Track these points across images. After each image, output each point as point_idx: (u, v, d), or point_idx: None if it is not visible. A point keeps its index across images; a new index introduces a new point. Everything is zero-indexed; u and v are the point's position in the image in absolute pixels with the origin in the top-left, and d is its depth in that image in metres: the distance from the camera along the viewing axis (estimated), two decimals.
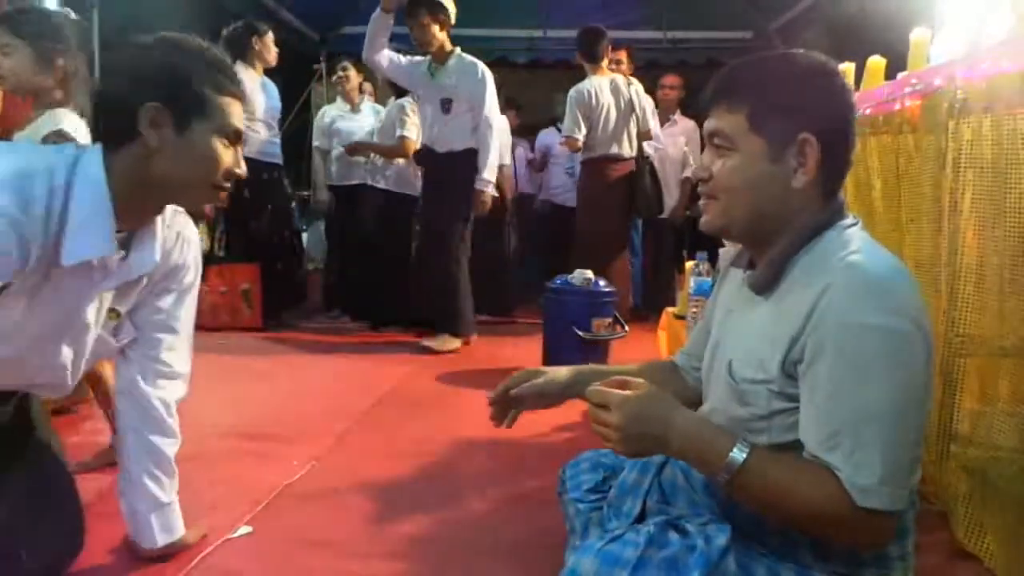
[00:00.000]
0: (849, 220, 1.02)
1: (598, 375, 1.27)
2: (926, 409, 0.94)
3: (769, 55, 1.07)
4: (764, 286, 1.03)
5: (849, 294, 0.91)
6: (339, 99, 4.99)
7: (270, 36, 4.25)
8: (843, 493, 0.88)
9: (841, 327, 0.90)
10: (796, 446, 0.96)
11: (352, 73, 4.88)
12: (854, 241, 0.98)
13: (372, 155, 4.60)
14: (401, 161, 4.47)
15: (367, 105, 4.98)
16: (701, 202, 1.08)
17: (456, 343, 3.98)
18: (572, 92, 4.41)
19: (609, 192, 4.50)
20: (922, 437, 0.95)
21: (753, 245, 1.08)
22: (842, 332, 0.90)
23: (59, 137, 1.80)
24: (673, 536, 0.98)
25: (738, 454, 0.92)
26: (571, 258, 4.14)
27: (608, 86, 4.42)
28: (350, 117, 4.89)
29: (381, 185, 4.59)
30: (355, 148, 4.59)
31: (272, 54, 4.26)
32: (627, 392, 1.00)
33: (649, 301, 5.04)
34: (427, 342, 3.93)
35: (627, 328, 3.59)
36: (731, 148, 1.02)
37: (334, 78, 4.98)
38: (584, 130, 4.38)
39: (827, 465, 0.90)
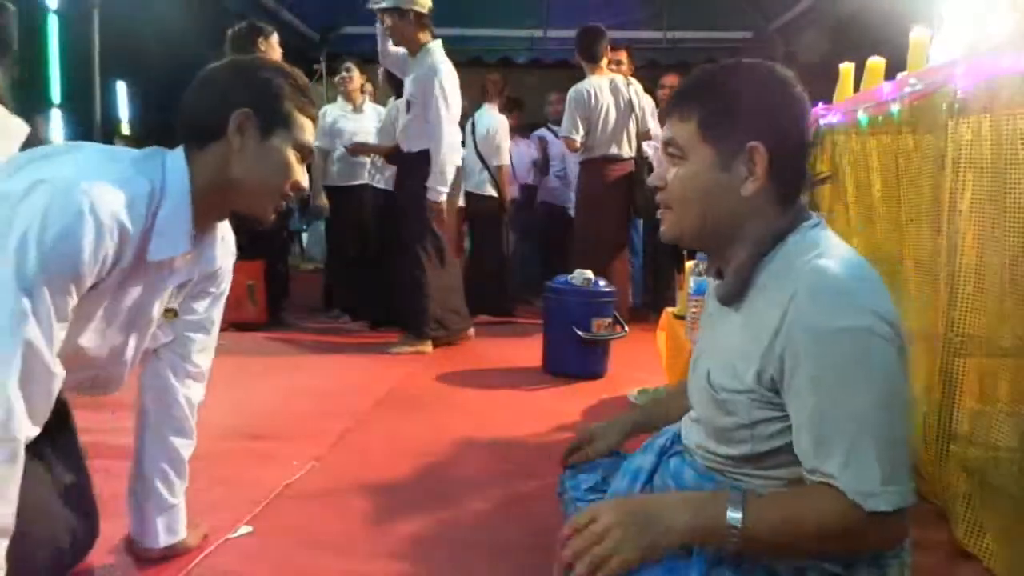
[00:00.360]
0: (812, 220, 1.02)
1: (649, 417, 1.35)
2: (908, 401, 0.94)
3: (722, 64, 1.07)
4: (732, 297, 1.04)
5: (814, 300, 0.91)
6: (340, 99, 4.99)
7: (275, 37, 4.24)
8: (850, 505, 0.87)
9: (812, 335, 0.90)
10: (780, 452, 0.97)
11: (355, 74, 4.89)
12: (817, 243, 0.98)
13: (373, 155, 4.61)
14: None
15: (368, 105, 4.99)
16: (659, 212, 1.09)
17: (424, 347, 3.89)
18: (571, 92, 4.41)
19: (608, 192, 4.50)
20: (909, 430, 0.95)
21: (713, 254, 1.09)
22: (814, 340, 0.90)
23: None
24: None
25: (735, 511, 0.90)
26: (570, 258, 4.14)
27: (607, 86, 4.42)
28: (352, 117, 4.89)
29: (381, 185, 4.61)
30: (356, 149, 4.60)
31: (277, 55, 4.26)
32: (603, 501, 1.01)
33: (649, 301, 5.04)
34: (394, 349, 3.85)
35: (627, 328, 3.59)
36: (682, 157, 1.04)
37: (337, 78, 4.98)
38: (583, 131, 4.38)
39: (825, 480, 0.89)
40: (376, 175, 4.64)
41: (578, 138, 4.38)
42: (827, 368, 0.89)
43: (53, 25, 4.42)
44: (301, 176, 1.38)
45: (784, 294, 0.93)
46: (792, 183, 1.03)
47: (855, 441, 0.88)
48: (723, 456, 1.05)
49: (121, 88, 6.33)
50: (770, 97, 1.02)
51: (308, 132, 1.38)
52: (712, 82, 1.05)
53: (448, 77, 3.69)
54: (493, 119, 4.98)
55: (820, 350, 0.89)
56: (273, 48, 4.22)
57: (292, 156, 1.35)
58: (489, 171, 4.94)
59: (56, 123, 4.41)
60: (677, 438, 1.20)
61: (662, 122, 1.14)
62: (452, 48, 4.49)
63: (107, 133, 5.03)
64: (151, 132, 6.21)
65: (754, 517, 0.90)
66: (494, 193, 4.99)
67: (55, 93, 4.49)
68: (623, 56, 4.85)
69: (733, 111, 1.01)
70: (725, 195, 1.01)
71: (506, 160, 5.05)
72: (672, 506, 0.95)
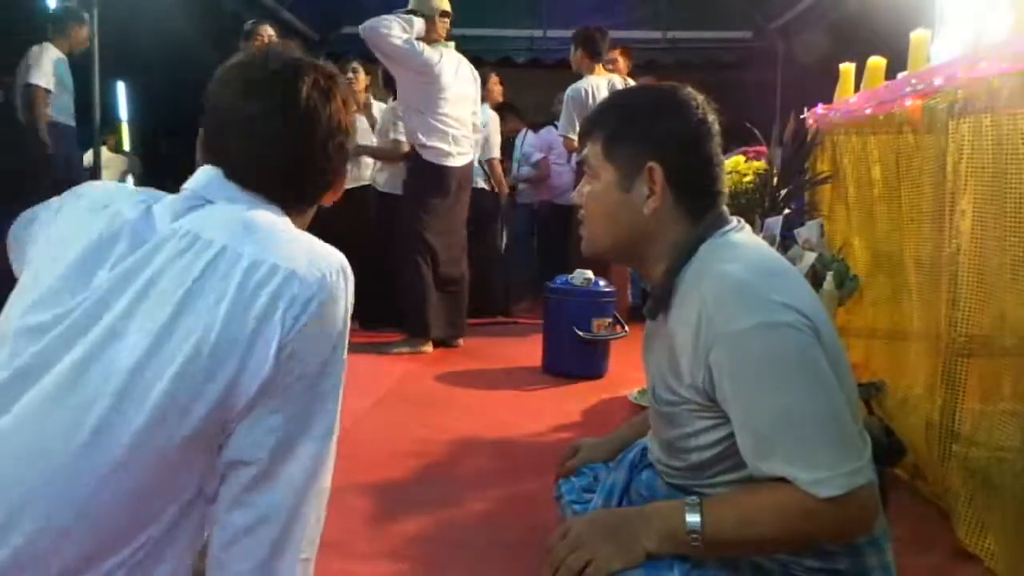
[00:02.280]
0: (728, 226, 1.04)
1: (638, 431, 1.33)
2: (843, 379, 0.93)
3: (631, 88, 1.16)
4: (655, 311, 1.07)
5: (719, 306, 0.93)
6: None
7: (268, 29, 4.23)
8: (804, 495, 0.87)
9: (725, 340, 0.92)
10: (725, 458, 0.98)
11: (361, 75, 4.88)
12: (722, 249, 1.00)
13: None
14: (400, 164, 4.48)
15: (373, 104, 5.00)
16: (580, 228, 1.13)
17: (424, 347, 3.87)
18: (569, 91, 4.40)
19: None
20: (856, 405, 0.95)
21: (638, 269, 1.13)
22: (726, 345, 0.92)
23: None
24: None
25: (692, 516, 0.92)
26: (571, 258, 4.14)
27: (606, 86, 4.41)
28: (358, 116, 4.89)
29: (380, 187, 4.60)
30: (359, 151, 4.58)
31: None
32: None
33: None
34: (394, 349, 3.85)
35: (627, 328, 3.58)
36: (593, 176, 1.09)
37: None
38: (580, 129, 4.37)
39: (774, 475, 0.89)
40: (376, 177, 4.62)
41: (575, 136, 4.37)
42: (745, 368, 0.91)
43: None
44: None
45: (695, 304, 0.96)
46: (697, 198, 1.05)
47: (792, 433, 0.89)
48: (675, 468, 1.07)
49: (121, 88, 6.33)
50: (665, 119, 1.06)
51: None
52: (617, 105, 1.12)
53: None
54: (485, 114, 4.98)
55: (734, 353, 0.91)
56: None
57: None
58: (481, 165, 4.95)
59: None
60: (646, 451, 1.22)
61: None
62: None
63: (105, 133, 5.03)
64: (151, 132, 6.23)
65: (712, 519, 0.91)
66: (486, 187, 5.00)
67: None
68: (618, 56, 4.84)
69: (632, 132, 1.05)
70: (629, 213, 1.05)
71: (497, 154, 5.06)
72: (638, 516, 0.97)
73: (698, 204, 1.05)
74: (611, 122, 1.08)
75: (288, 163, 0.94)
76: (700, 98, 1.08)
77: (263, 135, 0.91)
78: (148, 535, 0.80)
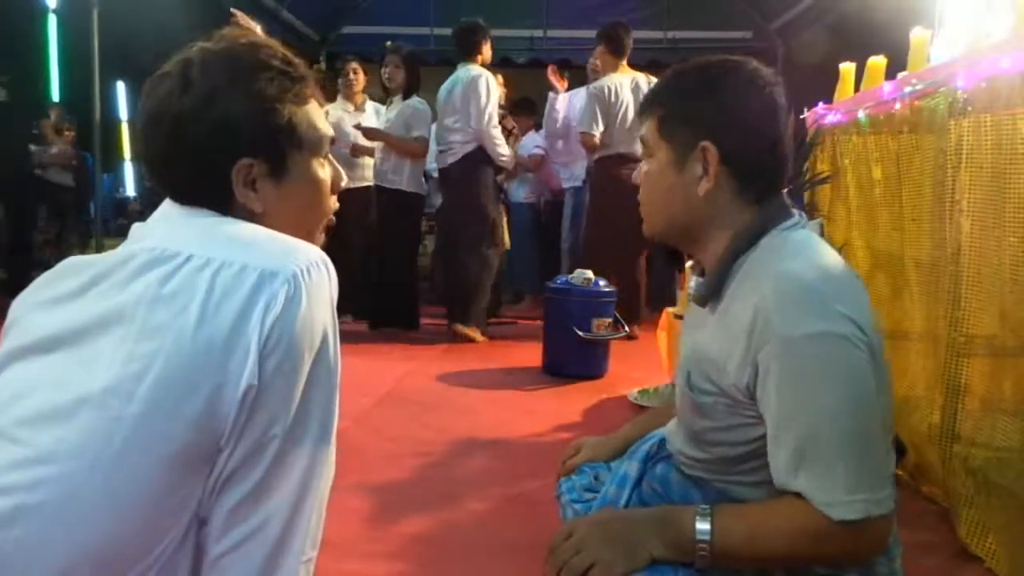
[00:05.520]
0: (790, 221, 1.00)
1: (642, 431, 1.29)
2: (884, 405, 0.91)
3: (693, 62, 1.06)
4: (705, 299, 1.03)
5: (781, 308, 0.89)
6: (341, 98, 4.97)
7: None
8: (817, 514, 0.85)
9: (778, 342, 0.88)
10: (753, 457, 0.95)
11: (361, 75, 4.88)
12: (788, 245, 0.96)
13: (379, 156, 4.57)
14: (411, 161, 4.47)
15: (369, 104, 4.98)
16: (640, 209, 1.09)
17: (474, 335, 4.20)
18: (592, 88, 4.37)
19: (624, 191, 4.36)
20: (890, 434, 0.92)
21: (692, 253, 1.09)
22: (780, 348, 0.88)
23: None
24: None
25: (703, 523, 0.89)
26: (583, 257, 4.15)
27: (628, 84, 4.40)
28: (355, 116, 4.88)
29: (387, 184, 4.56)
30: (370, 134, 4.54)
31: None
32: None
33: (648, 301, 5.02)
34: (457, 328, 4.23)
35: (627, 328, 3.58)
36: (649, 156, 1.04)
37: (342, 79, 4.95)
38: (602, 126, 4.32)
39: (792, 488, 0.87)
40: (384, 175, 4.57)
41: (596, 133, 4.33)
42: (791, 375, 0.87)
43: (53, 25, 4.44)
44: (336, 179, 1.00)
45: (754, 299, 0.92)
46: (757, 182, 1.00)
47: (820, 448, 0.86)
48: (697, 460, 1.04)
49: (121, 88, 6.34)
50: (728, 96, 1.00)
51: (320, 123, 0.94)
52: (675, 81, 1.05)
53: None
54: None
55: (785, 358, 0.88)
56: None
57: (319, 171, 0.95)
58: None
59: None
60: (663, 443, 1.19)
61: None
62: (452, 48, 4.49)
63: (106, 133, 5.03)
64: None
65: (722, 529, 0.89)
66: None
67: (55, 93, 4.50)
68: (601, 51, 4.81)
69: (687, 110, 1.00)
70: (682, 194, 1.01)
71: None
72: (645, 520, 0.95)
73: (758, 189, 1.00)
74: (667, 99, 1.03)
75: (166, 169, 0.88)
76: (767, 74, 1.02)
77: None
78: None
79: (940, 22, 2.37)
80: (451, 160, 4.32)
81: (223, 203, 0.86)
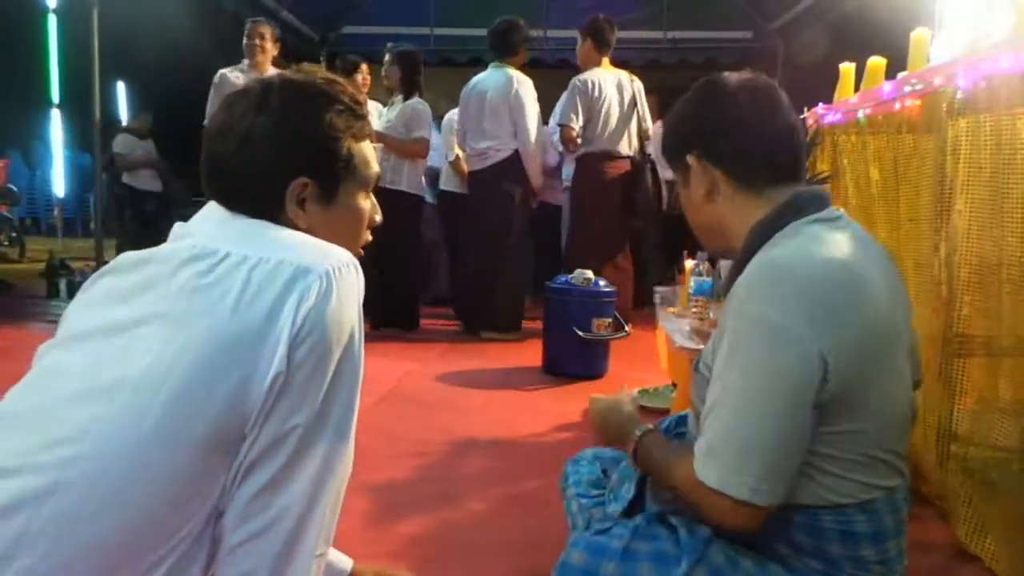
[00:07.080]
0: (815, 215, 1.00)
1: None
2: (795, 409, 0.90)
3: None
4: (724, 290, 1.08)
5: (747, 284, 0.95)
6: None
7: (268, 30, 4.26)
8: (691, 467, 0.95)
9: (733, 314, 0.95)
10: None
11: (365, 74, 4.88)
12: (796, 236, 0.98)
13: (379, 156, 4.58)
14: (410, 161, 4.47)
15: (370, 104, 4.98)
16: None
17: (505, 336, 4.29)
18: (575, 81, 4.27)
19: (605, 189, 4.30)
20: (792, 443, 0.90)
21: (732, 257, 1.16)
22: (732, 319, 0.95)
23: None
24: (660, 530, 1.02)
25: (637, 431, 1.15)
26: (568, 258, 4.13)
27: (612, 80, 4.34)
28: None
29: (387, 185, 4.55)
30: (378, 138, 4.54)
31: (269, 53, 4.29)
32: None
33: (641, 299, 5.00)
34: (485, 335, 4.32)
35: (627, 328, 3.58)
36: (679, 185, 1.16)
37: (351, 80, 4.96)
38: (581, 119, 4.22)
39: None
40: (385, 176, 4.56)
41: (576, 126, 4.21)
42: (728, 343, 0.94)
43: (53, 25, 4.44)
44: (373, 213, 1.11)
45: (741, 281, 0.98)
46: (754, 178, 1.05)
47: (716, 414, 0.94)
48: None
49: (121, 88, 6.34)
50: (699, 107, 1.09)
51: (372, 160, 1.05)
52: (668, 120, 1.16)
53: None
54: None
55: (733, 328, 0.95)
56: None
57: (363, 203, 1.05)
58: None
59: (56, 123, 4.42)
60: (681, 420, 1.28)
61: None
62: (452, 48, 4.50)
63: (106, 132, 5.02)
64: (151, 132, 6.24)
65: (645, 442, 1.14)
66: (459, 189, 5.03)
67: (55, 93, 4.50)
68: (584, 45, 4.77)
69: (675, 137, 1.12)
70: (695, 207, 1.10)
71: (452, 156, 5.10)
72: (622, 419, 1.27)
73: (759, 183, 1.04)
74: (664, 138, 1.15)
75: (226, 177, 0.94)
76: (735, 81, 1.07)
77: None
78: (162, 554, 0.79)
79: (940, 22, 2.37)
80: (485, 164, 4.34)
81: (272, 215, 0.93)
